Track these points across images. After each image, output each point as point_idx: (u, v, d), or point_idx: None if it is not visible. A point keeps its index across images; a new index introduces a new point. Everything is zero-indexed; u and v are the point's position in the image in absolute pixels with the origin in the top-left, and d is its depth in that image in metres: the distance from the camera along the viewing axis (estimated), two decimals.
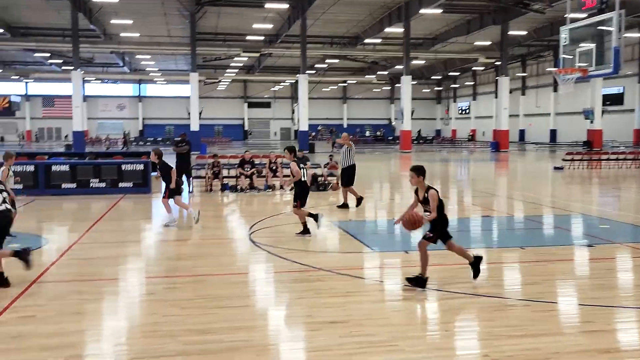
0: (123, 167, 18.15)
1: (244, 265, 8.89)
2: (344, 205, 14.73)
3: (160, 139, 65.20)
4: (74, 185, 17.63)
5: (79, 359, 5.24)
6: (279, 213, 14.01)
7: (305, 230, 10.94)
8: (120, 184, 17.87)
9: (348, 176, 14.91)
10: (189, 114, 42.26)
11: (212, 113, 71.74)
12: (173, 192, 12.46)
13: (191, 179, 18.40)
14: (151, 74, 64.38)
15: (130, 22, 39.90)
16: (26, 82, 68.37)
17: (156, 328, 5.94)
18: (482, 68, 64.40)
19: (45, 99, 71.36)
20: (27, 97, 70.35)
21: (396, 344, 5.52)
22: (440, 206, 7.22)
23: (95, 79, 66.70)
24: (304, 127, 41.75)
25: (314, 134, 51.17)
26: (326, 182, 18.99)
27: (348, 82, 72.50)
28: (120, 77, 65.33)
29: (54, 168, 17.81)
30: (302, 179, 10.81)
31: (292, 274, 8.19)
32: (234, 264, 9.02)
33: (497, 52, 47.07)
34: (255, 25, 42.10)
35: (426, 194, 7.25)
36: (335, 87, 77.22)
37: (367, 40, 47.17)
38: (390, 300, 7.09)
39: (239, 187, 18.46)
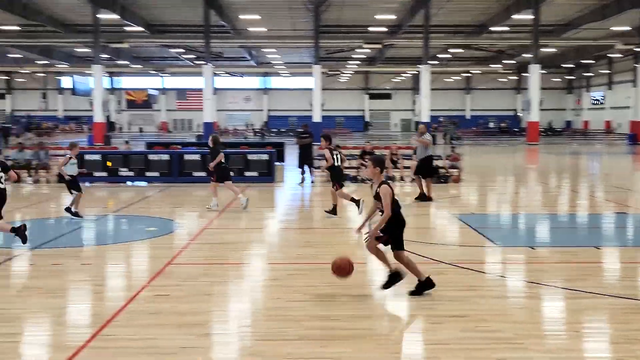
0: (249, 157, 18.83)
1: (364, 255, 8.94)
2: (423, 197, 14.28)
3: (283, 130, 66.91)
4: (203, 174, 18.52)
5: (209, 337, 5.54)
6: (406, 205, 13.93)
7: (333, 211, 11.97)
8: (246, 173, 18.56)
9: (425, 167, 14.52)
10: (312, 105, 43.03)
11: (334, 104, 72.57)
12: (222, 178, 13.01)
13: (313, 169, 18.76)
14: (276, 66, 66.19)
15: (257, 17, 41.20)
16: (162, 77, 72.64)
17: (279, 312, 6.13)
18: (619, 55, 60.18)
19: (179, 92, 75.48)
20: (163, 90, 74.75)
21: (521, 342, 5.33)
22: (395, 205, 6.48)
23: (224, 73, 69.58)
24: (425, 118, 41.18)
25: (435, 125, 50.31)
26: (448, 174, 18.63)
27: (472, 72, 70.54)
28: (247, 70, 67.75)
29: (186, 157, 18.83)
30: (335, 164, 11.98)
31: None
32: (354, 253, 9.09)
33: (636, 38, 43.77)
34: (378, 16, 41.99)
35: (378, 189, 6.53)
36: (458, 77, 75.41)
37: (493, 28, 45.57)
38: (514, 296, 6.85)
39: (359, 177, 18.57)
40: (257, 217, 12.61)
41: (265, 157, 18.83)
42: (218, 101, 70.41)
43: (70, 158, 12.19)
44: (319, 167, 17.38)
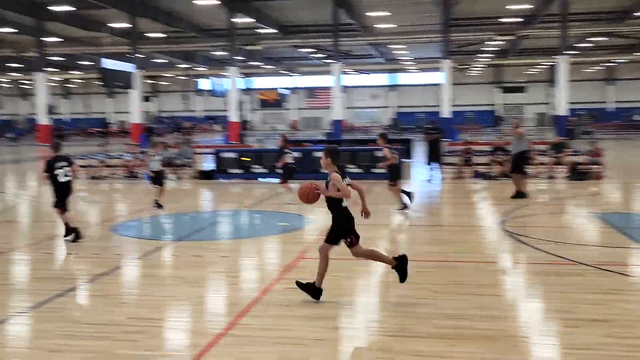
0: (376, 153, 18.84)
1: (494, 254, 8.67)
2: (519, 195, 13.58)
3: (412, 126, 66.31)
4: None
5: (338, 330, 5.63)
6: (532, 202, 13.34)
7: (404, 206, 12.32)
8: (374, 170, 18.60)
9: (518, 163, 13.90)
10: (440, 101, 42.24)
11: (463, 99, 70.80)
12: (286, 176, 13.81)
13: (441, 166, 18.43)
14: (404, 62, 65.73)
15: (386, 13, 41.13)
16: (293, 76, 74.61)
17: (408, 309, 6.10)
18: None
19: (308, 91, 77.19)
20: (293, 89, 76.80)
21: None
22: (340, 203, 6.31)
23: (353, 71, 70.18)
24: (562, 111, 39.03)
25: (573, 118, 47.52)
26: (588, 170, 17.54)
27: (615, 61, 65.85)
28: (374, 67, 67.88)
29: (315, 154, 19.21)
30: (395, 162, 12.35)
31: (547, 266, 7.76)
32: (484, 251, 8.84)
33: None
34: (511, 6, 40.37)
35: (328, 179, 6.28)
36: (598, 67, 70.69)
37: (638, 14, 42.25)
38: None
39: (490, 174, 17.99)
40: (384, 214, 12.60)
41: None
42: (346, 99, 71.17)
43: (153, 155, 13.26)
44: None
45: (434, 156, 18.25)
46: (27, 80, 66.11)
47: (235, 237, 10.61)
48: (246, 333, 5.50)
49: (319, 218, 12.05)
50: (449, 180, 18.14)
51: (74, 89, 77.67)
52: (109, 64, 36.07)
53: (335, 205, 6.40)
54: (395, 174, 12.50)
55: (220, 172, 19.43)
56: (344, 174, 6.46)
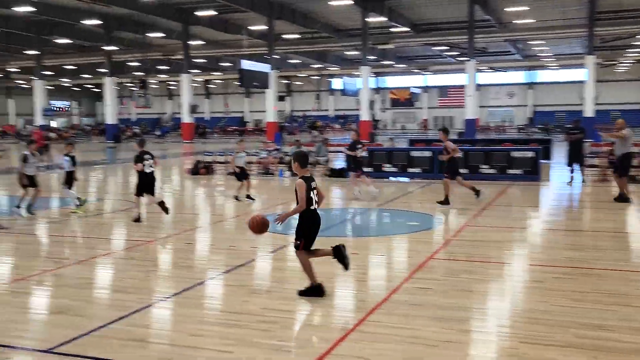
0: (512, 154, 18.17)
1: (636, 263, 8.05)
2: (622, 198, 12.77)
3: (551, 126, 63.12)
4: (465, 171, 18.36)
5: (468, 333, 5.50)
6: None
7: (446, 201, 12.87)
8: (509, 171, 17.94)
9: (623, 165, 13.21)
10: (582, 99, 39.84)
11: (608, 98, 66.27)
12: (357, 168, 14.65)
13: (583, 168, 17.38)
14: (543, 59, 62.69)
15: (525, 8, 39.47)
16: (425, 75, 73.72)
17: (544, 316, 5.82)
18: None
19: (440, 90, 75.90)
20: (425, 88, 75.89)
21: None
22: (308, 201, 6.44)
23: (488, 68, 68.07)
24: None
25: None
26: None
27: None
28: (511, 64, 65.32)
29: None
30: (456, 156, 12.99)
31: None
32: (630, 259, 8.23)
33: None
34: None
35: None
36: None
37: None
38: None
39: (638, 177, 16.69)
40: (520, 216, 12.12)
41: (530, 154, 18.00)
42: (480, 97, 69.13)
43: (238, 152, 14.43)
44: (590, 166, 17.14)
45: (576, 157, 17.24)
46: (173, 81, 70.72)
47: (364, 234, 10.68)
48: (375, 330, 5.53)
49: (450, 218, 11.82)
50: (591, 183, 17.07)
51: (214, 89, 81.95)
52: (247, 65, 37.69)
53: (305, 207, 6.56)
54: (454, 169, 13.11)
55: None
56: (312, 179, 6.65)
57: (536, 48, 58.47)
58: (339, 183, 18.07)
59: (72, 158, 13.14)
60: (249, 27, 43.14)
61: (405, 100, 71.43)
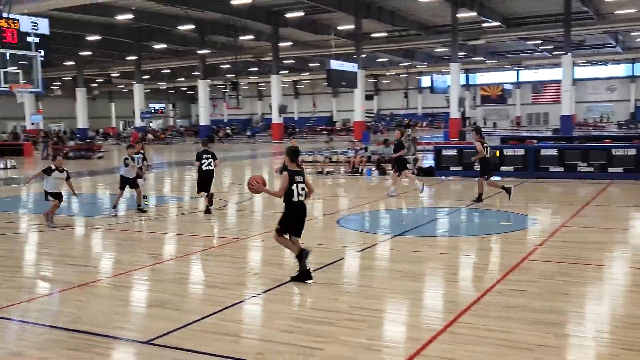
0: (613, 151, 17.29)
1: None
2: None
3: None
4: (561, 169, 17.67)
5: (565, 338, 5.28)
6: None
7: (479, 199, 13.00)
8: (610, 169, 17.08)
9: None
10: None
11: None
12: (400, 167, 14.76)
13: None
14: None
15: None
16: (517, 70, 71.44)
17: None
18: None
19: (534, 85, 73.26)
20: (517, 84, 73.52)
21: None
22: (289, 193, 7.02)
23: (585, 62, 65.05)
24: None
25: None
26: None
27: None
28: (611, 57, 62.09)
29: (542, 152, 18.21)
30: (486, 155, 12.92)
31: None
32: None
33: None
34: None
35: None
36: None
37: None
38: None
39: None
40: (621, 216, 11.52)
41: (632, 151, 17.06)
42: (577, 92, 66.35)
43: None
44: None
45: None
46: (263, 82, 72.30)
47: (455, 234, 10.50)
48: (466, 332, 5.42)
49: (544, 219, 11.42)
50: None
51: (302, 89, 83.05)
52: (335, 64, 37.92)
53: (286, 197, 7.09)
54: (486, 168, 13.11)
55: (440, 168, 19.35)
56: (298, 173, 7.15)
57: (639, 40, 55.31)
58: (428, 182, 17.83)
59: (142, 156, 13.92)
60: (337, 27, 43.36)
61: (496, 97, 69.54)
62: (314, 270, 7.64)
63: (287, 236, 7.26)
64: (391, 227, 11.50)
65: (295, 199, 7.09)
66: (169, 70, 64.29)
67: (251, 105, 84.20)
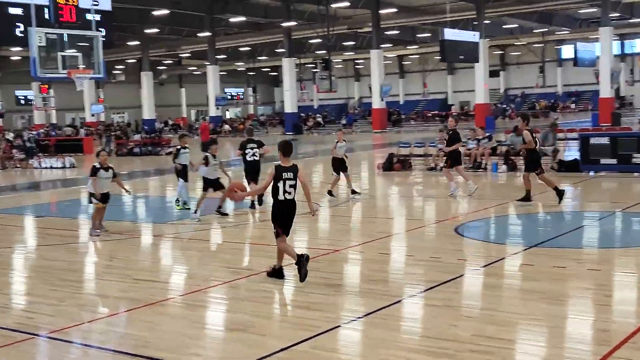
0: None
1: None
2: None
3: None
4: None
5: None
6: None
7: (527, 198, 13.15)
8: None
9: None
10: None
11: None
12: (453, 162, 14.93)
13: None
14: None
15: None
16: None
17: None
18: None
19: None
20: None
21: None
22: (275, 190, 8.05)
23: None
24: None
25: None
26: None
27: None
28: None
29: None
30: (536, 147, 13.30)
31: None
32: None
33: None
34: None
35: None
36: None
37: None
38: None
39: None
40: None
41: None
42: None
43: (337, 142, 15.51)
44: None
45: None
46: (361, 58, 72.47)
47: (607, 245, 10.14)
48: None
49: None
50: None
51: (409, 66, 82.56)
52: (450, 34, 37.45)
53: (273, 194, 8.15)
54: (534, 161, 13.27)
55: (588, 162, 18.69)
56: (288, 170, 8.11)
57: None
58: (572, 179, 17.26)
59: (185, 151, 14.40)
60: None
61: None
62: (425, 290, 7.60)
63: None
64: (524, 236, 11.26)
65: (281, 197, 8.10)
66: (248, 48, 65.68)
67: (347, 88, 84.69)
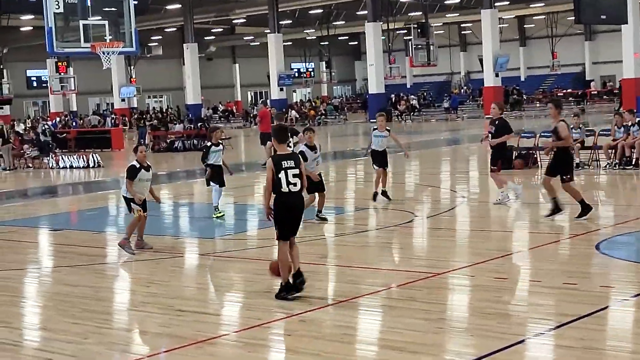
0: None
1: None
2: None
3: None
4: None
5: None
6: None
7: (556, 209, 12.72)
8: None
9: None
10: None
11: None
12: (502, 161, 15.52)
13: None
14: None
15: None
16: None
17: None
18: None
19: None
20: None
21: None
22: (277, 183, 8.53)
23: None
24: None
25: None
26: None
27: None
28: None
29: None
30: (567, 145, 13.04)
31: None
32: None
33: None
34: None
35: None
36: None
37: None
38: None
39: None
40: None
41: None
42: None
43: (375, 129, 16.08)
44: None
45: None
46: (468, 21, 71.67)
47: None
48: None
49: None
50: None
51: (532, 30, 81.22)
52: None
53: (275, 188, 8.63)
54: (566, 163, 12.99)
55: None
56: (287, 158, 8.69)
57: None
58: None
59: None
60: None
61: None
62: (557, 327, 7.50)
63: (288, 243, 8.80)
64: None
65: (284, 189, 8.57)
66: (320, 11, 65.54)
67: (450, 60, 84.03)
